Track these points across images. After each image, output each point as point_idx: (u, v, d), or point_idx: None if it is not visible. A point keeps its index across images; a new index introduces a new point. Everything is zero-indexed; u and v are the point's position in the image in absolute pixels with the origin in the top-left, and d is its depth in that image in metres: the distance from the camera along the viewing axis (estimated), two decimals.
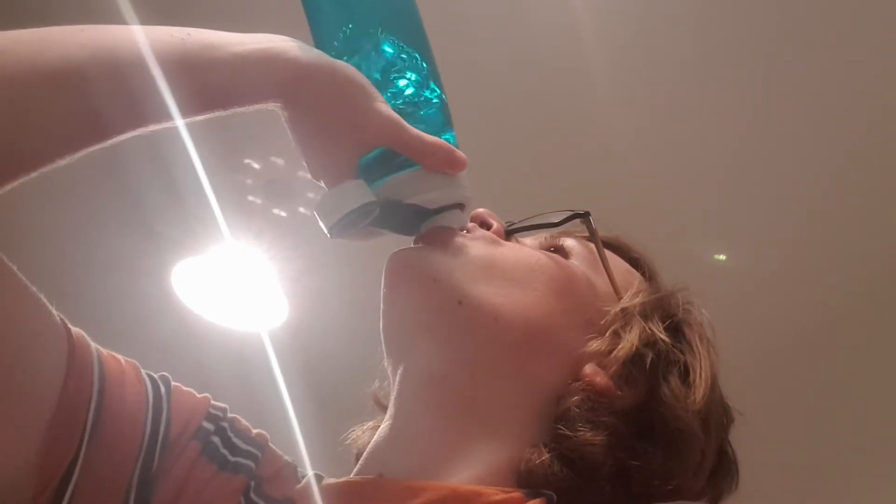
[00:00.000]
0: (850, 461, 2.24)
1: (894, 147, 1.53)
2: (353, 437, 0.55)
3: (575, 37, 1.43)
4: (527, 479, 0.43)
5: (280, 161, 1.69)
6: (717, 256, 1.79)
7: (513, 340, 0.47)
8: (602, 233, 0.54)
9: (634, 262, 0.56)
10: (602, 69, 1.49)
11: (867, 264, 1.75)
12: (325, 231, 0.47)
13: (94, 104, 0.39)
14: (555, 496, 0.41)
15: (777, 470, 2.09)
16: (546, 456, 0.43)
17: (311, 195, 1.73)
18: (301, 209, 1.77)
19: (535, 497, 0.41)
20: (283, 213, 1.80)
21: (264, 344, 2.02)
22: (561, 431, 0.44)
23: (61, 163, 0.39)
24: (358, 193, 0.46)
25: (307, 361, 1.94)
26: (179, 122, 0.42)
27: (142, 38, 0.40)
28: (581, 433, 0.43)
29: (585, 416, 0.44)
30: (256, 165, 1.71)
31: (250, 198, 1.76)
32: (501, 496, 0.40)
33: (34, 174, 0.39)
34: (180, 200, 1.64)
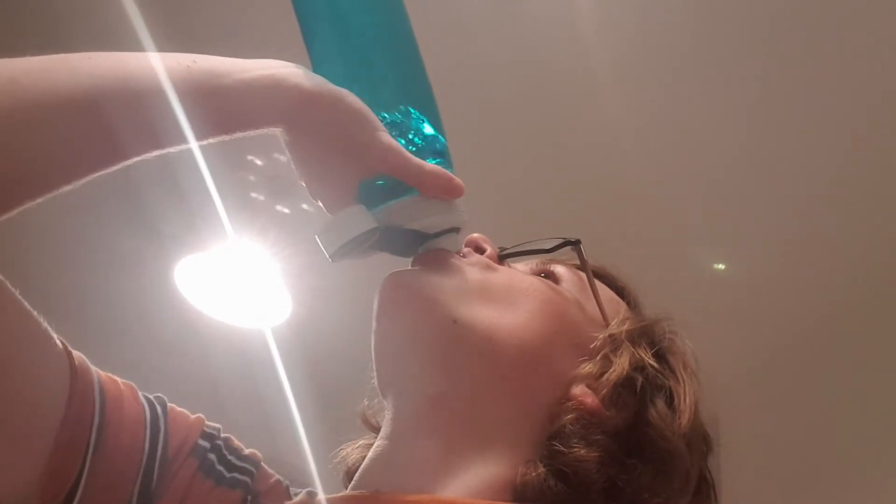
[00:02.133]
0: (853, 462, 2.24)
1: None
2: (343, 455, 0.56)
3: (575, 39, 1.43)
4: (522, 494, 0.44)
5: (282, 158, 1.69)
6: (716, 266, 1.81)
7: (507, 360, 0.48)
8: (590, 261, 0.56)
9: (620, 291, 0.58)
10: (602, 72, 1.49)
11: (868, 270, 1.75)
12: (328, 256, 0.49)
13: (102, 132, 0.39)
14: None
15: (780, 472, 2.09)
16: (542, 470, 0.44)
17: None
18: (304, 206, 1.77)
19: None
20: (287, 210, 1.80)
21: (268, 341, 2.02)
22: (556, 447, 0.45)
23: (68, 188, 0.40)
24: (360, 219, 0.47)
25: (310, 358, 1.94)
26: (183, 147, 0.42)
27: (148, 65, 0.41)
28: (575, 450, 0.45)
29: (579, 433, 0.46)
30: (259, 162, 1.71)
31: (253, 195, 1.76)
32: None
33: (43, 198, 0.39)
34: (183, 198, 1.64)
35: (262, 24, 1.20)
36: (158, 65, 0.41)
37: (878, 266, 1.74)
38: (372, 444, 0.52)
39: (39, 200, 0.39)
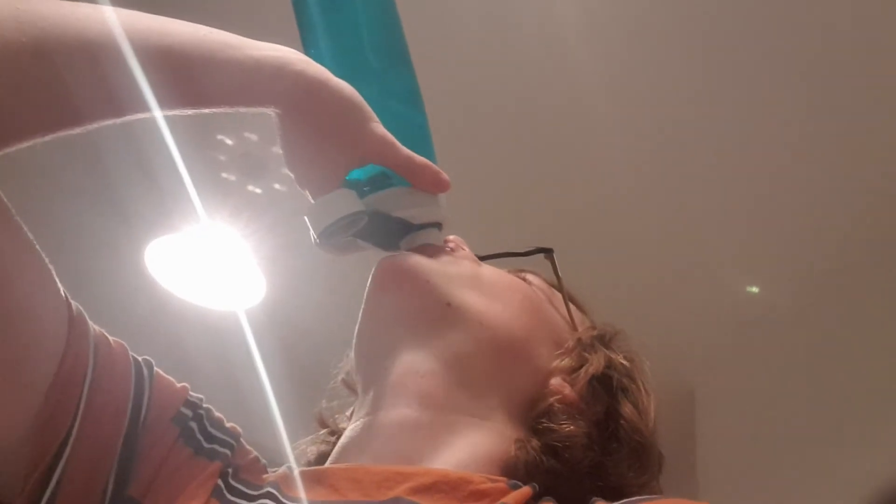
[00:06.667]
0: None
1: None
2: (300, 451, 0.58)
3: (568, 43, 1.42)
4: (513, 469, 0.46)
5: (253, 136, 1.67)
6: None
7: (495, 345, 0.51)
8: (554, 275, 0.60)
9: (580, 307, 0.62)
10: (598, 91, 1.49)
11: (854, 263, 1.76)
12: (314, 237, 0.50)
13: (104, 87, 0.40)
14: (538, 486, 0.44)
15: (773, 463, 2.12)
16: (536, 444, 0.47)
17: (286, 171, 1.71)
18: (276, 186, 1.75)
19: (519, 487, 0.43)
20: (258, 190, 1.78)
21: (241, 323, 2.01)
22: (545, 424, 0.49)
23: (38, 140, 0.39)
24: (348, 202, 0.49)
25: (284, 340, 1.93)
26: (174, 113, 0.43)
27: (160, 25, 0.42)
28: (564, 426, 0.48)
29: (566, 412, 0.49)
30: (229, 141, 1.68)
31: (224, 175, 1.74)
32: (488, 484, 0.43)
33: (13, 148, 0.38)
34: (152, 177, 1.62)
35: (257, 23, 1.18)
36: (172, 27, 0.42)
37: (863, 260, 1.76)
38: (327, 441, 0.55)
39: (14, 147, 0.38)
